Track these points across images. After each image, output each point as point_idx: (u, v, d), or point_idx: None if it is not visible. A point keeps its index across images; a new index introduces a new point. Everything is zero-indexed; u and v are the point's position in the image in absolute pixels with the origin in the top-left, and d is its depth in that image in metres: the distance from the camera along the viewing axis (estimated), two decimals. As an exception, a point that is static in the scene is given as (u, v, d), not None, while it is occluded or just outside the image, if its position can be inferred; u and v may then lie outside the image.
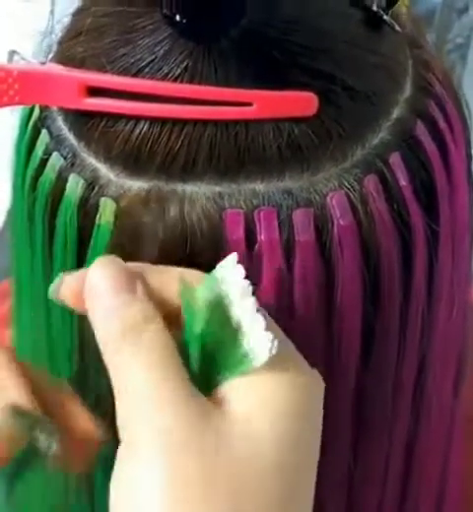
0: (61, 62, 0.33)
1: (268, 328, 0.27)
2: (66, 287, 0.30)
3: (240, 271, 0.28)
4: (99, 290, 0.29)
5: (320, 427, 0.29)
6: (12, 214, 0.40)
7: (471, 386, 0.44)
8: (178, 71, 0.30)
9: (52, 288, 0.31)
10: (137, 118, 0.30)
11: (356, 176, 0.31)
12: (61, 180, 0.33)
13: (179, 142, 0.30)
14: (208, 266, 0.30)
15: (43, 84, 0.31)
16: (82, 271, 0.30)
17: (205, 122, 0.30)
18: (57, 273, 0.34)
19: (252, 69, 0.29)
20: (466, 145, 0.36)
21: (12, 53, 0.33)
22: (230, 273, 0.29)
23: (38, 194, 0.34)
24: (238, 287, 0.28)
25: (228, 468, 0.26)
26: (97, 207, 0.32)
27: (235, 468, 0.26)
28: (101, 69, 0.31)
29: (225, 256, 0.30)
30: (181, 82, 0.30)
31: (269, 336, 0.27)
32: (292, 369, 0.28)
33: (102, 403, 0.32)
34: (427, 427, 0.39)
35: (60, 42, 0.34)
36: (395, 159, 0.31)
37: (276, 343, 0.27)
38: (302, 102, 0.29)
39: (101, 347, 0.29)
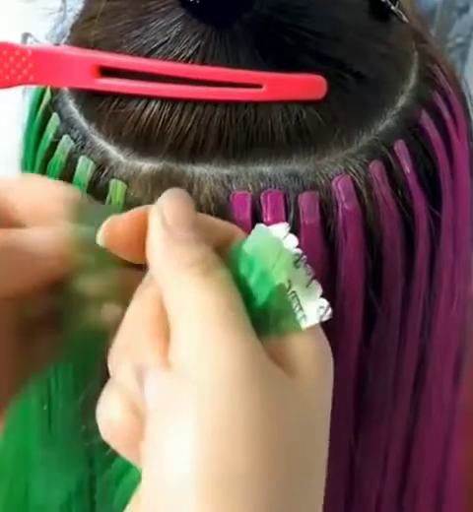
0: (75, 45, 0.33)
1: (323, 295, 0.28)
2: (116, 229, 0.29)
3: (294, 239, 0.29)
4: (170, 221, 0.28)
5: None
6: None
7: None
8: (190, 52, 0.30)
9: (100, 233, 0.29)
10: (148, 99, 0.31)
11: (361, 161, 0.31)
12: (71, 163, 0.33)
13: (190, 123, 0.31)
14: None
15: (57, 64, 0.31)
16: (136, 210, 0.29)
17: (215, 103, 0.30)
18: None
19: (263, 52, 0.30)
20: (468, 138, 0.37)
21: (26, 35, 0.34)
22: (285, 238, 0.29)
23: (48, 177, 0.34)
24: (294, 253, 0.28)
25: (286, 420, 0.26)
26: (106, 189, 0.32)
27: (292, 421, 0.26)
28: (114, 50, 0.32)
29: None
30: (193, 63, 0.30)
31: (324, 303, 0.28)
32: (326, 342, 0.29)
33: None
34: (427, 418, 0.40)
35: (73, 27, 0.35)
36: (400, 146, 0.32)
37: (329, 311, 0.28)
38: (310, 86, 0.30)
39: (162, 280, 0.28)
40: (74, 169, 0.33)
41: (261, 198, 0.31)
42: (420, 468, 0.42)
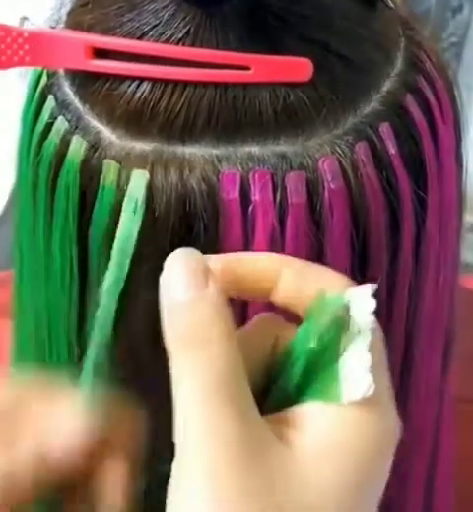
0: (70, 28, 0.34)
1: (372, 370, 0.27)
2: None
3: (372, 305, 0.28)
4: (169, 282, 0.28)
5: (386, 478, 0.28)
6: (15, 190, 0.41)
7: (463, 367, 0.46)
8: (181, 35, 0.31)
9: None
10: (140, 80, 0.32)
11: (347, 143, 0.32)
12: (65, 143, 0.34)
13: (180, 103, 0.31)
14: (204, 227, 0.32)
15: (52, 45, 0.32)
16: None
17: (205, 85, 0.31)
18: (57, 237, 0.35)
19: (251, 35, 0.31)
20: (456, 127, 0.38)
21: (23, 19, 0.34)
22: (361, 301, 0.29)
23: (43, 158, 0.35)
24: (363, 319, 0.28)
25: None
26: (99, 169, 0.33)
27: None
28: (108, 33, 0.33)
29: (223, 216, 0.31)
30: (183, 45, 0.31)
31: (369, 378, 0.27)
32: (376, 418, 0.27)
33: None
34: (415, 405, 0.40)
35: (69, 12, 0.36)
36: (385, 128, 0.33)
37: (372, 388, 0.27)
38: (297, 68, 0.31)
39: (166, 342, 0.28)
40: (67, 150, 0.34)
41: (250, 177, 0.32)
42: (409, 459, 0.42)
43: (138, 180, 0.32)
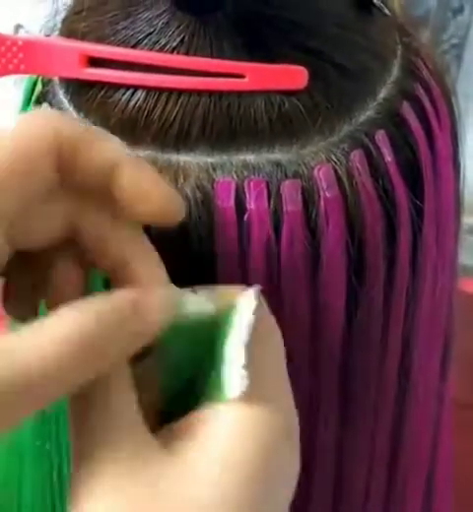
0: (65, 36, 0.34)
1: (248, 366, 0.28)
2: None
3: (253, 305, 0.29)
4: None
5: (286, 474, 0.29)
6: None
7: (461, 373, 0.45)
8: (175, 43, 0.31)
9: None
10: (134, 88, 0.32)
11: (343, 151, 0.32)
12: None
13: (174, 112, 0.31)
14: (199, 235, 0.31)
15: (46, 54, 0.32)
16: None
17: (199, 93, 0.31)
18: None
19: (246, 43, 0.31)
20: (453, 135, 0.38)
21: (18, 27, 0.34)
22: (246, 301, 0.29)
23: None
24: (244, 318, 0.29)
25: None
26: None
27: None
28: (102, 41, 0.32)
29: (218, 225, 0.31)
30: (178, 53, 0.31)
31: (243, 373, 0.27)
32: (258, 414, 0.28)
33: None
34: (414, 409, 0.40)
35: (64, 20, 0.36)
36: (381, 136, 0.33)
37: (246, 382, 0.27)
38: (292, 76, 0.31)
39: None
40: None
41: (245, 185, 0.32)
42: (408, 462, 0.42)
43: None
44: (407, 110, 0.34)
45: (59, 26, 0.36)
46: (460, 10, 1.12)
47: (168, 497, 0.26)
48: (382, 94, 0.34)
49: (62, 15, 0.37)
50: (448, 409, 0.45)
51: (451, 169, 0.37)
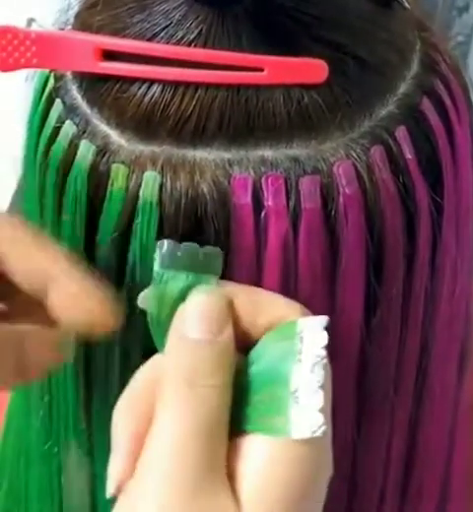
0: (79, 30, 0.33)
1: (322, 410, 0.27)
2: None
3: (324, 338, 0.28)
4: (185, 316, 0.30)
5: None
6: (19, 194, 0.40)
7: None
8: (192, 36, 0.31)
9: (142, 295, 0.31)
10: (150, 82, 0.31)
11: (362, 147, 0.31)
12: (73, 148, 0.33)
13: (191, 106, 0.31)
14: (216, 232, 0.31)
15: (60, 47, 0.32)
16: None
17: (217, 87, 0.30)
18: (65, 241, 0.34)
19: (265, 36, 0.30)
20: (471, 128, 0.37)
21: (30, 20, 0.34)
22: (313, 332, 0.29)
23: (50, 162, 0.34)
24: (315, 354, 0.28)
25: None
26: (108, 173, 0.32)
27: None
28: (117, 34, 0.32)
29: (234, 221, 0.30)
30: (195, 47, 0.31)
31: (321, 419, 0.27)
32: (316, 455, 0.28)
33: None
34: (430, 412, 0.40)
35: (77, 15, 0.35)
36: (401, 132, 0.32)
37: (322, 429, 0.27)
38: (312, 69, 0.30)
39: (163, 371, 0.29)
40: (75, 155, 0.33)
41: (262, 181, 0.31)
42: (424, 464, 0.41)
43: (151, 183, 0.31)
44: (427, 106, 0.33)
45: (72, 21, 0.35)
46: (466, 8, 1.11)
47: None
48: (402, 89, 0.33)
49: (75, 9, 0.36)
50: (464, 413, 0.44)
51: (470, 166, 0.36)
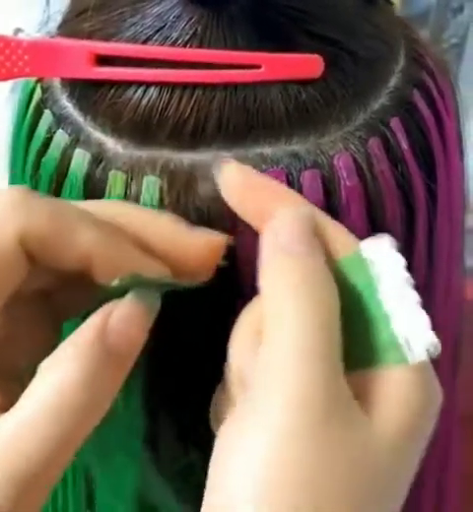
0: (69, 37, 0.33)
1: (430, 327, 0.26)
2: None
3: (400, 258, 0.27)
4: (280, 232, 0.28)
5: None
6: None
7: (471, 385, 0.45)
8: (188, 37, 0.31)
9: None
10: (146, 85, 0.31)
11: (360, 139, 0.32)
12: (66, 157, 0.33)
13: (190, 107, 0.31)
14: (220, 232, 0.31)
15: (53, 54, 0.31)
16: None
17: (214, 87, 0.30)
18: None
19: (260, 34, 0.30)
20: (457, 122, 0.38)
21: (17, 30, 0.33)
22: (384, 256, 0.28)
23: (42, 174, 0.34)
24: (399, 276, 0.27)
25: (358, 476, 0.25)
26: (104, 181, 0.32)
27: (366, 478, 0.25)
28: (110, 39, 0.32)
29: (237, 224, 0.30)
30: (191, 47, 0.31)
31: (433, 337, 0.26)
32: (431, 378, 0.27)
33: None
34: None
35: (65, 21, 0.35)
36: (396, 123, 0.33)
37: (439, 347, 0.26)
38: (308, 64, 0.31)
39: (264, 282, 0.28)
40: (69, 164, 0.33)
41: (264, 178, 0.31)
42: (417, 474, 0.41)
43: (151, 188, 0.31)
44: (417, 98, 0.34)
45: (61, 27, 0.35)
46: (460, 9, 1.13)
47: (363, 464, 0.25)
48: (392, 82, 0.34)
49: (57, 21, 0.36)
50: (458, 411, 0.44)
51: (458, 157, 0.37)
